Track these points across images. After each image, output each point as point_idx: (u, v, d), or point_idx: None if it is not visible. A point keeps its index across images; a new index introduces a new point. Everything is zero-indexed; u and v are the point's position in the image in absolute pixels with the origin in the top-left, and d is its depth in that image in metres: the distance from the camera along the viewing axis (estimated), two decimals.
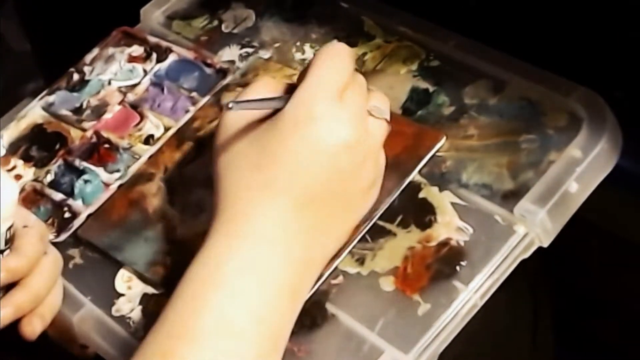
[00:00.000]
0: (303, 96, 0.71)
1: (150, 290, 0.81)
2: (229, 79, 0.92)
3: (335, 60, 0.73)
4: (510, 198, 0.76)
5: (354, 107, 0.72)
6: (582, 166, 0.75)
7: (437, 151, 0.80)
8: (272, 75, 0.89)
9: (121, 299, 0.81)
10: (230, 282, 0.68)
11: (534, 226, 0.74)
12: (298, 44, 0.93)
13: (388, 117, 0.75)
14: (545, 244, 0.74)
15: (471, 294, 0.72)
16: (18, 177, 0.93)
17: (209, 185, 0.78)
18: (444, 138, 0.80)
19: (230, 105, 0.70)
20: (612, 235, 0.94)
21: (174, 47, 0.97)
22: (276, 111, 0.72)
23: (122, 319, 0.79)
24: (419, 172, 0.79)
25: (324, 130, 0.70)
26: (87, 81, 0.98)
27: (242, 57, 0.94)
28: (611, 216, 0.91)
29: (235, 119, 0.73)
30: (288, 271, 0.69)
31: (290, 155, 0.70)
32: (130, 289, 0.81)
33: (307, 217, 0.70)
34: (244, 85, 0.88)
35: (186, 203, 0.84)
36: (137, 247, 0.83)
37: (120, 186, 0.88)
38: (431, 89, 0.85)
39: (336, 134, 0.70)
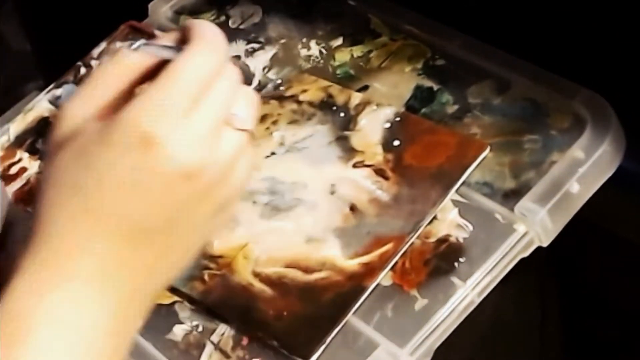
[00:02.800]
0: (142, 109, 0.57)
1: None
2: (263, 91, 0.91)
3: (198, 59, 0.58)
4: (511, 197, 0.76)
5: (205, 124, 0.58)
6: (584, 167, 0.75)
7: (482, 161, 0.79)
8: (306, 87, 0.89)
9: None
10: (37, 340, 0.56)
11: (534, 225, 0.73)
12: (304, 40, 0.93)
13: (251, 127, 0.62)
14: (545, 244, 0.74)
15: (469, 290, 0.72)
16: (23, 169, 0.93)
17: (245, 198, 0.79)
18: (488, 148, 0.79)
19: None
20: (613, 236, 0.94)
21: None
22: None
23: None
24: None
25: (160, 158, 0.56)
26: None
27: (248, 53, 0.94)
28: (613, 216, 0.91)
29: (69, 118, 0.59)
30: (109, 314, 0.58)
31: (120, 182, 0.57)
32: None
33: (139, 252, 0.59)
34: (278, 97, 0.89)
35: None
36: None
37: None
38: (435, 87, 0.85)
39: (175, 162, 0.57)
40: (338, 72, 0.90)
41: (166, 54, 0.59)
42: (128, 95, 0.59)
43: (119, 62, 0.60)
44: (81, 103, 0.59)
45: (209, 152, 0.58)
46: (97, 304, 0.57)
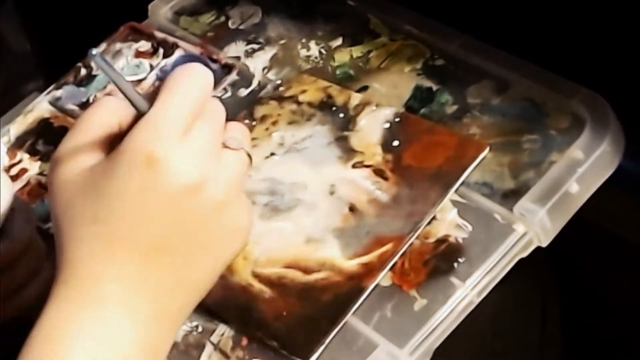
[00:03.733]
0: (142, 135, 0.62)
1: None
2: (262, 92, 0.91)
3: (185, 88, 0.64)
4: (510, 197, 0.76)
5: (201, 142, 0.63)
6: (583, 167, 0.75)
7: (481, 161, 0.79)
8: (305, 87, 0.89)
9: None
10: (74, 355, 0.60)
11: (533, 225, 0.73)
12: (304, 40, 0.93)
13: (248, 149, 0.67)
14: (544, 244, 0.74)
15: (468, 290, 0.72)
16: (24, 170, 0.93)
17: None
18: (488, 148, 0.79)
19: (94, 52, 0.62)
20: (612, 236, 0.94)
21: (181, 43, 0.97)
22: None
23: None
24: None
25: (164, 175, 0.61)
26: (94, 76, 0.99)
27: (248, 54, 0.94)
28: (612, 216, 0.91)
29: (68, 162, 0.64)
30: (138, 332, 0.62)
31: (130, 205, 0.62)
32: None
33: (158, 271, 0.63)
34: (277, 98, 0.89)
35: None
36: None
37: None
38: (435, 87, 0.85)
39: (178, 177, 0.62)
40: (337, 72, 0.90)
41: (137, 102, 0.64)
42: (114, 137, 0.64)
43: (101, 106, 0.66)
44: (75, 146, 0.64)
45: (208, 168, 0.63)
46: (125, 322, 0.61)
